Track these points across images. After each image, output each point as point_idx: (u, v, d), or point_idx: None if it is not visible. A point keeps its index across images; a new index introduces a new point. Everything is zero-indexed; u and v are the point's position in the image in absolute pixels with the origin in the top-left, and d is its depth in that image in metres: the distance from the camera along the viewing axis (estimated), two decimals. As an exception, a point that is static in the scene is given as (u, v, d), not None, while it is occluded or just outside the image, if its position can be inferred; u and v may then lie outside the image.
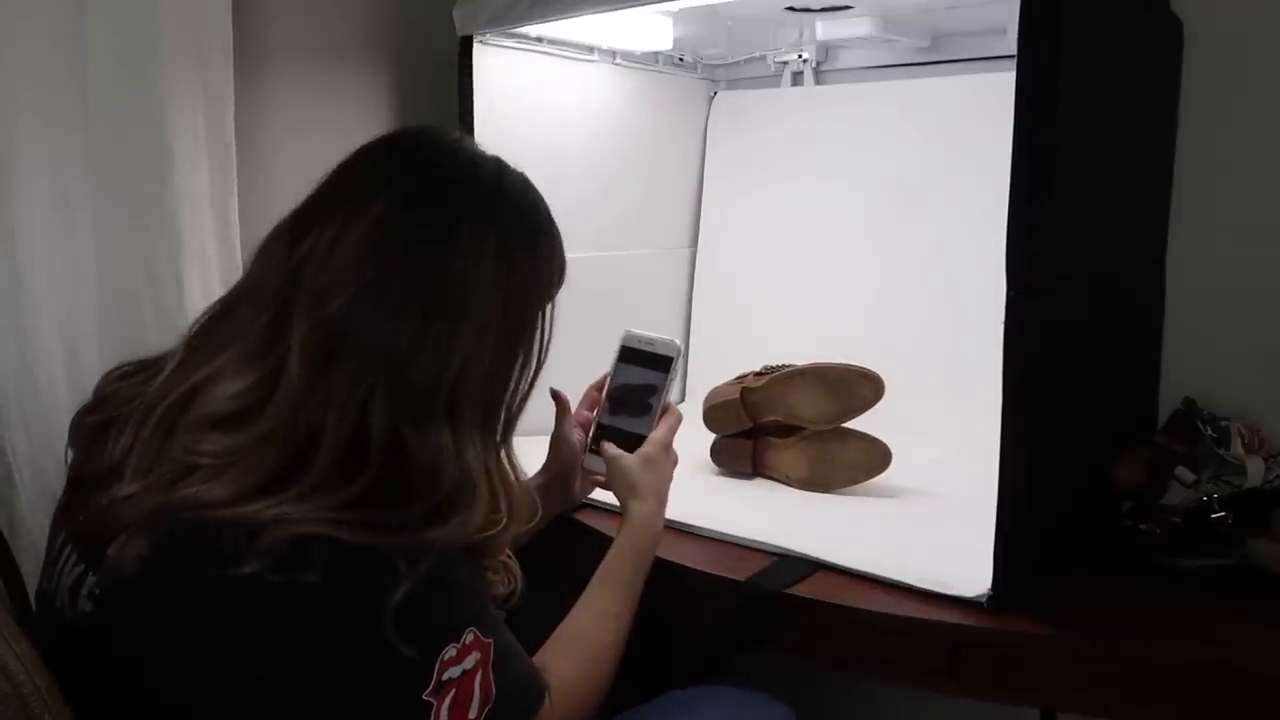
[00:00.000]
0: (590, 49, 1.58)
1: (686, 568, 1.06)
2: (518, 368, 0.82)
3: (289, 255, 0.78)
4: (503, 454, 0.82)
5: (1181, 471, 1.07)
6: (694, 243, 1.82)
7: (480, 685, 0.75)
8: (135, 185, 1.18)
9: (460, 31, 1.41)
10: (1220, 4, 1.16)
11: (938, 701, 1.07)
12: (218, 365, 0.77)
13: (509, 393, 0.82)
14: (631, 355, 1.15)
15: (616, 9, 1.29)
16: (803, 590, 0.99)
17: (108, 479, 0.76)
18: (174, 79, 1.19)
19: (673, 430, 1.11)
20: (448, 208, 0.79)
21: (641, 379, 1.13)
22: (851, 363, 1.32)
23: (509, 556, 0.87)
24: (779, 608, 0.99)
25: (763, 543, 1.09)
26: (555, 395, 1.12)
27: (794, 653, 1.03)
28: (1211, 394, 1.14)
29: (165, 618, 0.73)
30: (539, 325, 0.84)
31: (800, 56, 1.67)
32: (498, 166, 0.84)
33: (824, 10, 1.48)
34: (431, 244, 0.77)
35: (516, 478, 0.83)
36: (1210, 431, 1.07)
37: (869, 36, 1.49)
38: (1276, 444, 1.09)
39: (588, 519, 1.18)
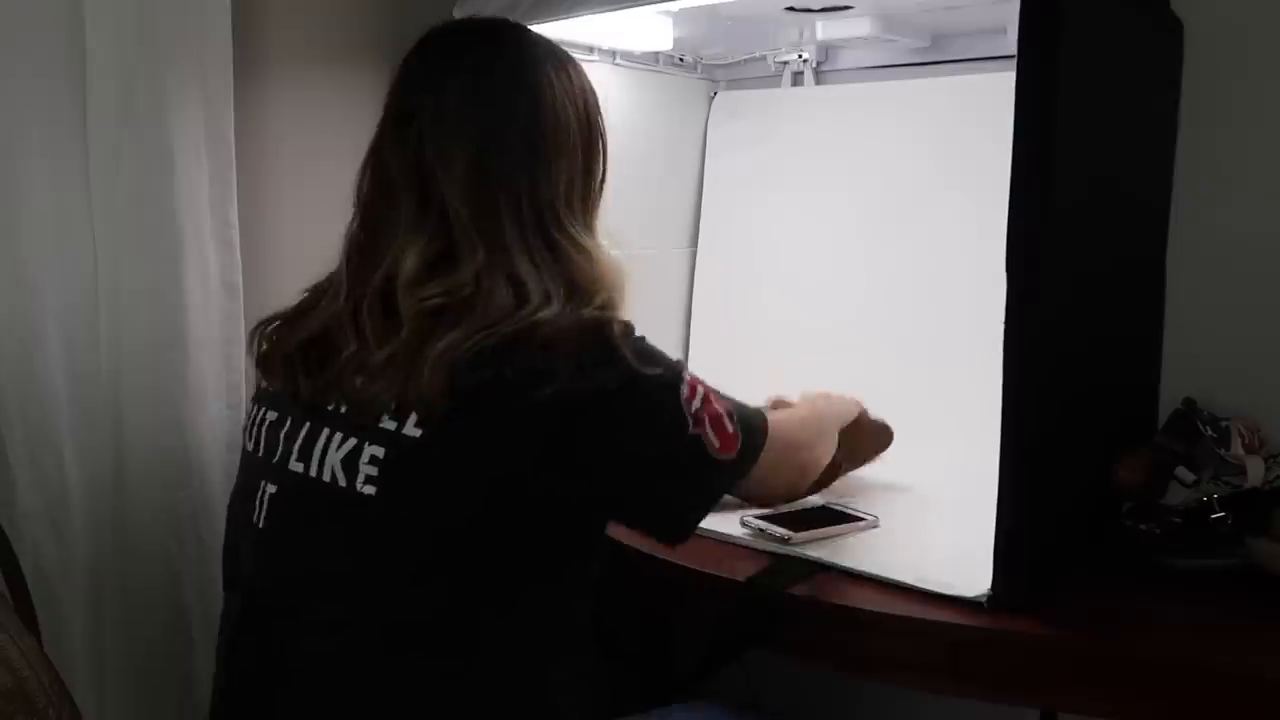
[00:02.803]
0: (590, 49, 1.57)
1: (686, 568, 1.06)
2: (597, 167, 0.99)
3: (404, 150, 0.92)
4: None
5: (1181, 471, 1.06)
6: (694, 243, 1.81)
7: (720, 404, 0.93)
8: (135, 186, 1.18)
9: (460, 32, 1.41)
10: (1220, 4, 1.16)
11: (938, 701, 1.08)
12: (395, 250, 0.90)
13: (594, 190, 0.99)
14: None
15: (616, 9, 1.29)
16: (803, 590, 0.99)
17: (352, 363, 0.88)
18: (174, 80, 1.19)
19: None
20: (506, 59, 0.95)
21: None
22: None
23: None
24: (779, 608, 0.99)
25: (763, 543, 1.09)
26: None
27: (794, 653, 1.03)
28: (1211, 394, 1.14)
29: (470, 454, 0.84)
30: (600, 130, 1.00)
31: (800, 56, 1.67)
32: (513, 21, 1.02)
33: (824, 10, 1.48)
34: (511, 89, 0.93)
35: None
36: (1210, 431, 1.07)
37: (869, 36, 1.49)
38: (1276, 444, 1.09)
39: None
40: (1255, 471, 1.04)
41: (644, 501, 0.92)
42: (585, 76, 1.01)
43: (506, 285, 0.88)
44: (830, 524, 1.12)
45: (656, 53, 1.65)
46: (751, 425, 0.97)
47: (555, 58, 0.98)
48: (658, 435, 0.89)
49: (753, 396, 1.22)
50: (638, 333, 0.90)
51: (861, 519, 1.14)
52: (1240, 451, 1.06)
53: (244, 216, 1.28)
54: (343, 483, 0.86)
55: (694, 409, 0.89)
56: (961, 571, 0.95)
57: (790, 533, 1.08)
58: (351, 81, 1.49)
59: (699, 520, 0.94)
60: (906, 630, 0.94)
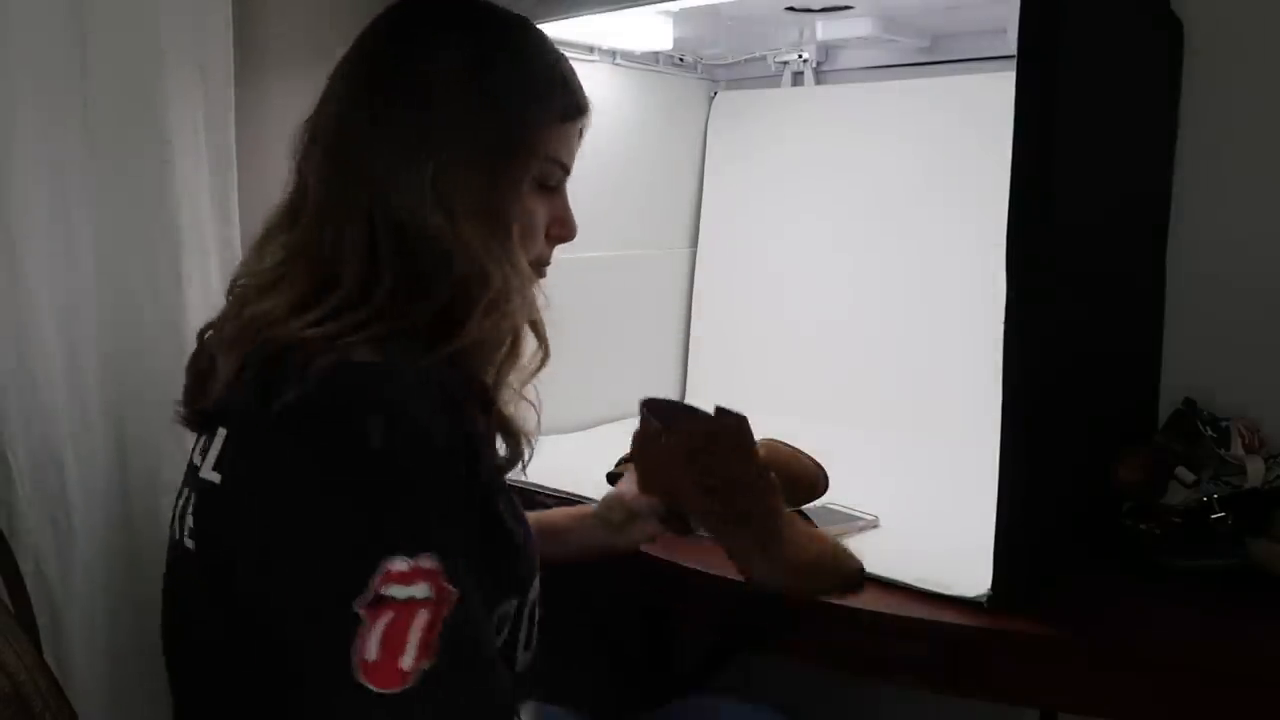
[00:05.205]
0: (590, 49, 1.58)
1: (687, 568, 1.06)
2: (510, 171, 0.81)
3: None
4: (518, 257, 0.81)
5: (1181, 471, 1.06)
6: (694, 243, 1.81)
7: (424, 630, 0.63)
8: (135, 185, 1.18)
9: (460, 32, 1.41)
10: (1220, 4, 1.16)
11: (938, 701, 1.07)
12: None
13: (500, 194, 0.80)
14: None
15: (616, 9, 1.29)
16: (803, 590, 0.99)
17: None
18: (174, 79, 1.19)
19: None
20: (415, 28, 0.82)
21: None
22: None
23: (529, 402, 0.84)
24: (780, 608, 0.99)
25: (763, 543, 1.09)
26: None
27: (794, 653, 1.03)
28: (1211, 394, 1.14)
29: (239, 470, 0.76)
30: (538, 135, 0.82)
31: (800, 56, 1.67)
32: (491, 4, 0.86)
33: (824, 10, 1.48)
34: (394, 56, 0.81)
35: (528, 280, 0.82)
36: (1210, 431, 1.07)
37: (869, 36, 1.49)
38: (1276, 444, 1.09)
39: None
40: (1255, 471, 1.04)
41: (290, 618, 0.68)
42: (549, 75, 0.84)
43: (315, 270, 0.77)
44: (830, 524, 1.12)
45: (656, 53, 1.65)
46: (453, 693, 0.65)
47: (497, 35, 0.83)
48: (317, 557, 0.67)
49: (753, 394, 1.22)
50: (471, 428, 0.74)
51: (861, 519, 1.14)
52: (1240, 451, 1.06)
53: (244, 216, 1.28)
54: (178, 535, 0.81)
55: (386, 591, 0.63)
56: (961, 571, 0.95)
57: None
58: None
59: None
60: (906, 630, 0.94)
